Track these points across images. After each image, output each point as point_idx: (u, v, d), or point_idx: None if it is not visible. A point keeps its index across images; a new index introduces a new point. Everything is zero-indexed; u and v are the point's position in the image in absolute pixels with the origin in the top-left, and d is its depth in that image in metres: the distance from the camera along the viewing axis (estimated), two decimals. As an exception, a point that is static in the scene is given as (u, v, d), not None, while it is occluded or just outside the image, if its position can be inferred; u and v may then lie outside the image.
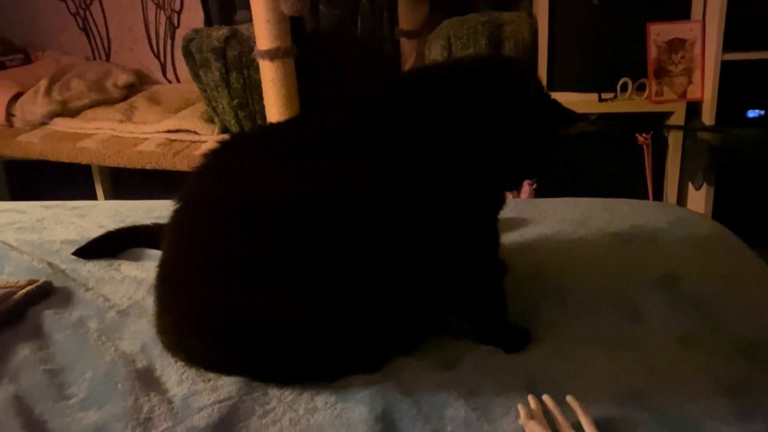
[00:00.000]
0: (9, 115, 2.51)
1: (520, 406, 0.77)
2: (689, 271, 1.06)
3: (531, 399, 0.79)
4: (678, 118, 2.09)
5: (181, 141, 2.31)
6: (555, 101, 0.93)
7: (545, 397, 0.78)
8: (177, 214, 0.91)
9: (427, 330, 0.94)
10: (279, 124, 1.01)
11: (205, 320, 0.86)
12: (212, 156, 0.91)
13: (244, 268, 0.83)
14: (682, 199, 2.20)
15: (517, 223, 1.25)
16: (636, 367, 0.84)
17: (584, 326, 0.94)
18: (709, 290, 1.01)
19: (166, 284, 0.92)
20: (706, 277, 1.04)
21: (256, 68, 2.13)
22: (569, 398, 0.78)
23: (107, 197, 2.58)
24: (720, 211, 2.06)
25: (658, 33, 2.04)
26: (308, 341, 0.85)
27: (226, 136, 1.00)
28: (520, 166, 0.96)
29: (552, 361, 0.86)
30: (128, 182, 2.48)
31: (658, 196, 2.16)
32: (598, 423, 0.74)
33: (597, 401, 0.78)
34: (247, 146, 0.94)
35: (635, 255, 1.12)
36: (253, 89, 2.21)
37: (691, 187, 2.13)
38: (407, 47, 2.35)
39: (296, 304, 0.83)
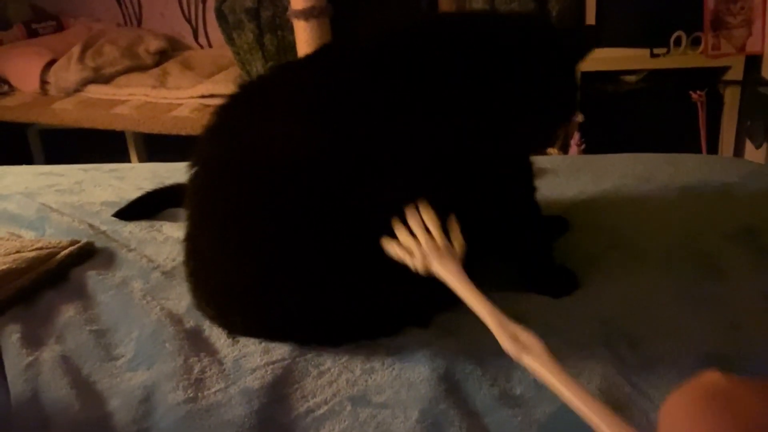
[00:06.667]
0: (43, 82, 2.50)
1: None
2: (769, 225, 0.98)
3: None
4: (736, 73, 1.97)
5: (215, 106, 2.27)
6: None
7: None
8: (195, 182, 0.85)
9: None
10: (293, 66, 0.94)
11: (243, 292, 0.81)
12: (226, 110, 0.86)
13: (278, 232, 0.78)
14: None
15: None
16: (720, 324, 0.78)
17: (659, 282, 0.87)
18: (793, 245, 0.93)
19: (195, 260, 0.87)
20: (788, 232, 0.96)
21: (291, 29, 2.07)
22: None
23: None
24: (781, 171, 1.95)
25: (716, -19, 1.93)
26: (353, 297, 0.80)
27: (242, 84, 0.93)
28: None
29: (626, 318, 0.80)
30: (162, 149, 2.45)
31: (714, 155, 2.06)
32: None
33: (680, 361, 0.72)
34: (267, 93, 0.87)
35: (707, 209, 1.04)
36: (287, 51, 2.16)
37: (748, 145, 2.02)
38: (446, 3, 2.26)
39: (334, 261, 0.78)
